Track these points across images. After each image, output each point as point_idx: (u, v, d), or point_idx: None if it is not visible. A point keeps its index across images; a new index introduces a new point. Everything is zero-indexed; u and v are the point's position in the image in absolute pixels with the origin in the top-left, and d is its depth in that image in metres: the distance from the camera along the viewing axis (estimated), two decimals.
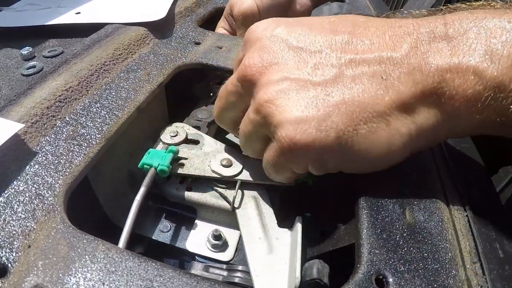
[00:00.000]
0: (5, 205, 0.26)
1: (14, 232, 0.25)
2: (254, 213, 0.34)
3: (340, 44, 0.27)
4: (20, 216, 0.26)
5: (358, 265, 0.25)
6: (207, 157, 0.38)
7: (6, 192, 0.27)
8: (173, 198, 0.37)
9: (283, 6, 0.57)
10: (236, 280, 0.31)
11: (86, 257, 0.24)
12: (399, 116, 0.25)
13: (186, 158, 0.37)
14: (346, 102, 0.25)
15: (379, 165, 0.28)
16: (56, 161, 0.30)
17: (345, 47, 0.26)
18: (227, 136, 0.46)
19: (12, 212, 0.26)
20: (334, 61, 0.26)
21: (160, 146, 0.39)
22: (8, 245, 0.24)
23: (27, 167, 0.29)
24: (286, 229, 0.33)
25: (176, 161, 0.37)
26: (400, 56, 0.25)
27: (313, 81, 0.26)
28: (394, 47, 0.25)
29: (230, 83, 0.31)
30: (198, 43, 0.50)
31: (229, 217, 0.36)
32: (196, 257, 0.35)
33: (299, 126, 0.25)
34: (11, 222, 0.26)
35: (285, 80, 0.26)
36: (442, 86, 0.23)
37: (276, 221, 0.34)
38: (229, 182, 0.37)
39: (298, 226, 0.31)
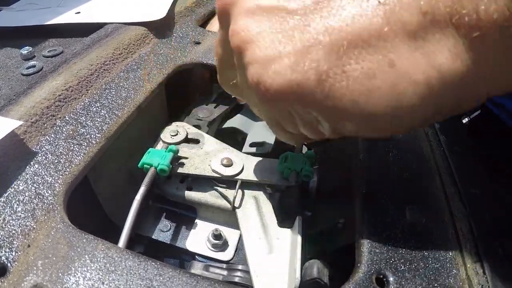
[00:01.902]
0: (5, 205, 0.26)
1: (13, 231, 0.25)
2: (254, 213, 0.34)
3: None
4: (20, 215, 0.26)
5: (359, 265, 0.25)
6: (208, 156, 0.38)
7: (6, 191, 0.27)
8: (173, 198, 0.37)
9: None
10: (236, 279, 0.31)
11: (86, 256, 0.24)
12: (406, 55, 0.18)
13: (186, 158, 0.37)
14: (330, 32, 0.18)
15: (385, 126, 0.20)
16: (56, 161, 0.30)
17: None
18: (231, 125, 0.46)
19: (12, 211, 0.26)
20: None
21: (160, 146, 0.39)
22: (8, 245, 0.24)
23: (27, 167, 0.29)
24: (286, 229, 0.33)
25: (177, 160, 0.36)
26: None
27: (289, 8, 0.20)
28: None
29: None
30: (198, 43, 0.50)
31: (229, 217, 0.36)
32: (196, 257, 0.35)
33: (271, 67, 0.20)
34: (10, 221, 0.26)
35: (257, 9, 0.21)
36: (458, 10, 0.17)
37: (276, 221, 0.34)
38: (230, 182, 0.37)
39: (298, 226, 0.31)
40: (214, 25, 0.56)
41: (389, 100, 0.19)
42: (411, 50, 0.18)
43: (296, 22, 0.20)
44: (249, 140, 0.44)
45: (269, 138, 0.44)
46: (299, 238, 0.30)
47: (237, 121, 0.48)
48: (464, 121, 0.40)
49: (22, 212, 0.26)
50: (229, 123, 0.48)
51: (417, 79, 0.18)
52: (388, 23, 0.18)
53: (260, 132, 0.46)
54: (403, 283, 0.24)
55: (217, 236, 0.35)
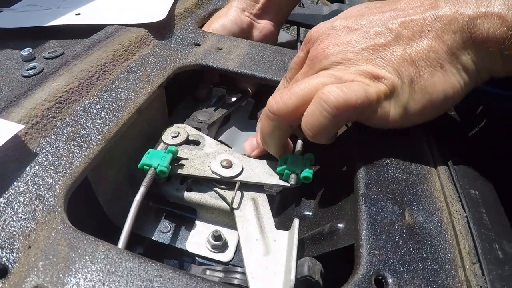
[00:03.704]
0: (6, 206, 0.27)
1: (14, 232, 0.25)
2: (252, 214, 0.34)
3: (390, 15, 0.33)
4: (21, 216, 0.26)
5: (358, 266, 0.25)
6: (207, 158, 0.38)
7: (6, 193, 0.27)
8: (173, 199, 0.38)
9: (238, 35, 0.56)
10: (235, 281, 0.31)
11: (86, 257, 0.24)
12: (448, 60, 0.30)
13: (186, 159, 0.37)
14: (410, 54, 0.31)
15: (443, 106, 0.32)
16: (57, 162, 0.30)
17: (394, 16, 0.33)
18: (219, 139, 0.47)
19: (13, 212, 0.26)
20: (390, 25, 0.32)
21: (161, 147, 0.39)
22: (9, 246, 0.24)
23: (28, 168, 0.29)
24: (284, 231, 0.33)
25: (177, 161, 0.37)
26: (439, 12, 0.31)
27: (379, 43, 0.32)
28: (433, 7, 0.31)
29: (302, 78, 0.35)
30: (198, 44, 0.50)
31: (229, 218, 0.36)
32: (196, 258, 0.35)
33: (387, 79, 0.31)
34: (11, 222, 0.26)
35: (362, 50, 0.32)
36: (475, 31, 0.29)
37: (274, 223, 0.34)
38: (229, 183, 0.37)
39: (295, 228, 0.31)
40: (209, 25, 0.57)
41: (443, 88, 0.31)
42: (449, 56, 0.30)
43: (386, 51, 0.32)
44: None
45: None
46: (295, 240, 0.30)
47: (224, 136, 0.48)
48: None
49: (23, 213, 0.26)
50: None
51: (453, 71, 0.31)
52: (437, 43, 0.30)
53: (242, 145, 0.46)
54: (402, 284, 0.24)
55: (217, 237, 0.35)
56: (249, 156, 0.39)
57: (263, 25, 0.60)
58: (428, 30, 0.31)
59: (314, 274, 0.27)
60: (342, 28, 0.34)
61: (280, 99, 0.32)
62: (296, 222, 0.31)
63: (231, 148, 0.46)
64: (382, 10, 0.34)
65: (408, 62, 0.31)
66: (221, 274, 0.32)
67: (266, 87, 0.46)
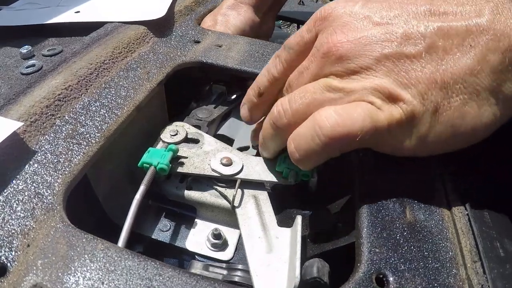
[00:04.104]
0: (4, 204, 0.26)
1: (13, 231, 0.25)
2: (253, 212, 0.34)
3: (424, 13, 0.26)
4: (19, 215, 0.26)
5: (359, 264, 0.25)
6: (207, 156, 0.38)
7: (5, 191, 0.27)
8: (173, 197, 0.37)
9: (249, 35, 0.56)
10: (236, 279, 0.31)
11: (86, 256, 0.24)
12: (488, 86, 0.24)
13: (186, 157, 0.37)
14: (441, 74, 0.25)
15: (468, 140, 0.27)
16: (56, 160, 0.30)
17: (429, 17, 0.26)
18: (219, 132, 0.46)
19: (11, 211, 0.26)
20: (423, 30, 0.25)
21: (160, 145, 0.39)
22: (7, 244, 0.24)
23: (26, 166, 0.29)
24: (286, 228, 0.33)
25: (176, 160, 0.36)
26: (486, 23, 0.24)
27: (407, 53, 0.25)
28: (479, 13, 0.24)
29: (308, 64, 0.30)
30: (198, 42, 0.50)
31: (229, 216, 0.36)
32: (196, 256, 0.35)
33: (406, 104, 0.25)
34: (10, 221, 0.26)
35: (385, 58, 0.26)
36: None
37: (276, 220, 0.34)
38: (229, 181, 0.37)
39: (298, 225, 0.31)
40: (225, 23, 0.56)
41: (474, 120, 0.25)
42: (495, 89, 0.24)
43: (415, 65, 0.25)
44: (236, 145, 0.45)
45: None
46: (298, 237, 0.30)
47: (225, 128, 0.48)
48: None
49: (22, 211, 0.26)
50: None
51: (492, 101, 0.24)
52: (478, 63, 0.24)
53: (244, 136, 0.46)
54: (403, 282, 0.24)
55: (217, 235, 0.35)
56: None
57: (268, 20, 0.60)
58: (471, 45, 0.24)
59: (323, 276, 0.27)
60: (362, 18, 0.28)
61: (283, 112, 0.29)
62: (299, 219, 0.31)
63: (232, 140, 0.46)
64: (414, 1, 0.27)
65: (437, 84, 0.25)
66: (224, 272, 0.32)
67: None
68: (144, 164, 0.34)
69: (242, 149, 0.43)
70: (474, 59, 0.24)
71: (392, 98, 0.26)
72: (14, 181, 0.28)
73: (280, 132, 0.31)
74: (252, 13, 0.56)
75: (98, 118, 0.35)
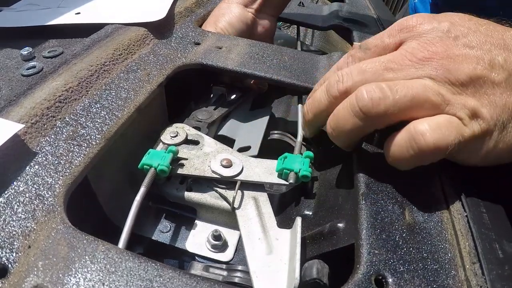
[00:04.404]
0: (5, 206, 0.26)
1: (14, 232, 0.25)
2: (253, 214, 0.34)
3: (500, 46, 0.29)
4: (20, 216, 0.26)
5: (358, 266, 0.25)
6: (207, 157, 0.38)
7: (6, 192, 0.27)
8: (173, 199, 0.37)
9: (244, 32, 0.57)
10: (236, 280, 0.31)
11: (86, 257, 0.24)
12: None
13: (186, 159, 0.37)
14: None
15: None
16: (56, 162, 0.30)
17: (504, 49, 0.29)
18: (220, 133, 0.46)
19: (12, 212, 0.26)
20: (501, 61, 0.28)
21: (160, 147, 0.39)
22: (8, 246, 0.24)
23: (27, 168, 0.29)
24: (286, 230, 0.33)
25: (176, 161, 0.37)
26: None
27: (492, 79, 0.28)
28: None
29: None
30: (198, 44, 0.50)
31: (229, 218, 0.36)
32: (196, 258, 0.35)
33: (485, 122, 0.28)
34: (11, 222, 0.26)
35: (477, 78, 0.28)
36: None
37: (275, 222, 0.34)
38: (229, 183, 0.37)
39: (298, 227, 0.31)
40: (214, 23, 0.56)
41: None
42: None
43: (502, 92, 0.28)
44: (236, 145, 0.45)
45: (254, 141, 0.44)
46: (298, 239, 0.30)
47: (225, 129, 0.48)
48: None
49: (23, 213, 0.26)
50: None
51: None
52: None
53: (245, 136, 0.46)
54: (402, 284, 0.24)
55: (217, 237, 0.35)
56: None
57: (264, 20, 0.60)
58: None
59: (323, 277, 0.27)
60: (453, 37, 0.30)
61: (378, 98, 0.28)
62: (298, 220, 0.31)
63: (233, 140, 0.46)
64: (501, 35, 0.30)
65: (509, 110, 0.28)
66: (224, 273, 0.32)
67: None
68: (144, 166, 0.34)
69: (242, 149, 0.43)
70: None
71: (475, 115, 0.28)
72: (15, 183, 0.28)
73: (363, 122, 0.29)
74: (242, 9, 0.57)
75: (98, 120, 0.35)
